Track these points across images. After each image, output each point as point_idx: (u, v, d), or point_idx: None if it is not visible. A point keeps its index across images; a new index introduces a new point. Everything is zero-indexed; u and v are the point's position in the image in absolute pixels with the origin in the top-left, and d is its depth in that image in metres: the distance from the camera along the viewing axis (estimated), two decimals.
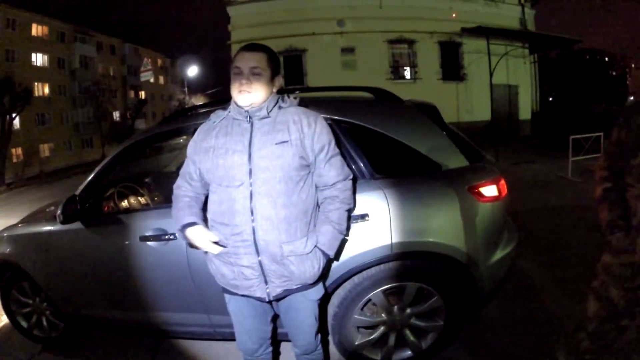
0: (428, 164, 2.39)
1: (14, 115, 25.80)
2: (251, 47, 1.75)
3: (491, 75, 12.98)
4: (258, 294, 1.78)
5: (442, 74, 16.19)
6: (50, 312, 3.19)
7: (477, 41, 15.59)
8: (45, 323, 3.25)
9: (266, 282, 1.75)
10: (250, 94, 1.69)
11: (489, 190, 2.42)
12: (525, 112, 17.84)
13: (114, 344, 3.21)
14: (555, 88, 23.11)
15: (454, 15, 15.93)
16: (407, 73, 16.45)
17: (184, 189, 1.92)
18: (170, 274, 2.46)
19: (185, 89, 40.32)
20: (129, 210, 2.92)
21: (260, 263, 1.71)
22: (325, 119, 1.86)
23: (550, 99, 24.23)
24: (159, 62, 54.52)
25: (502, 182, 2.53)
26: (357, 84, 2.80)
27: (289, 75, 15.00)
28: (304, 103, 1.88)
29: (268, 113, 1.73)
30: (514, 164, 10.08)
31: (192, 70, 36.69)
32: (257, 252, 1.70)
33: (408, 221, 2.29)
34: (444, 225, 2.35)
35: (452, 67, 16.34)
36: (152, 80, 51.22)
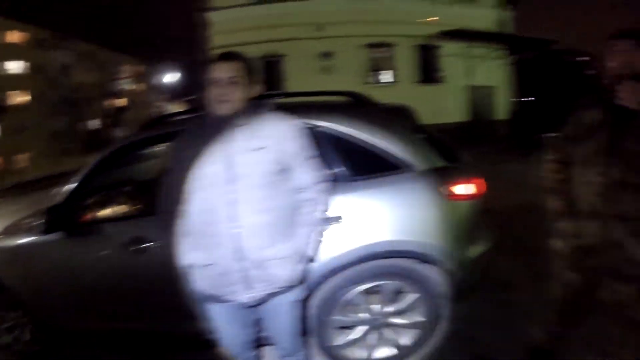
0: (403, 165, 2.45)
1: None
2: (226, 56, 1.78)
3: (468, 77, 13.16)
4: (241, 299, 1.79)
5: (419, 76, 16.36)
6: (32, 325, 3.15)
7: (454, 44, 15.76)
8: (25, 337, 3.20)
9: (249, 287, 1.76)
10: (228, 103, 1.72)
11: (465, 189, 2.50)
12: (502, 112, 18.12)
13: (94, 356, 3.18)
14: (533, 88, 23.47)
15: (432, 18, 16.08)
16: (385, 77, 16.57)
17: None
18: (152, 281, 2.47)
19: (164, 95, 39.93)
20: (110, 219, 2.92)
21: (243, 269, 1.73)
22: (302, 124, 1.91)
23: (528, 99, 24.60)
24: (138, 69, 53.87)
25: (478, 180, 2.60)
26: (335, 89, 2.86)
27: (268, 80, 14.99)
28: (280, 108, 1.92)
29: (246, 120, 1.76)
30: (491, 164, 10.19)
31: (171, 77, 36.45)
32: (240, 258, 1.71)
33: (384, 221, 2.36)
34: (419, 224, 2.41)
35: (429, 70, 16.52)
36: (131, 87, 50.79)
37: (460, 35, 14.93)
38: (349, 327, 2.53)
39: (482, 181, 2.61)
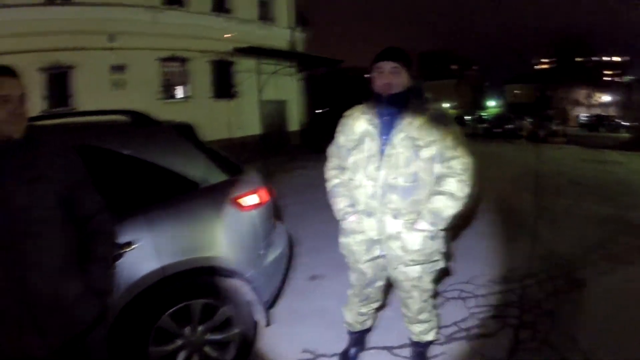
0: (187, 184, 2.47)
1: None
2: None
3: (261, 92, 13.69)
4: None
5: (214, 92, 16.31)
6: None
7: (249, 60, 16.26)
8: None
9: (42, 333, 1.51)
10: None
11: (250, 200, 2.63)
12: (294, 124, 19.58)
13: None
14: (322, 101, 26.13)
15: (227, 35, 16.25)
16: (179, 92, 16.04)
17: None
18: None
19: None
20: None
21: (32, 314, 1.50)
22: (80, 147, 1.78)
23: (319, 111, 27.43)
24: None
25: (262, 190, 2.77)
26: (127, 105, 2.71)
27: (53, 96, 12.90)
28: (55, 131, 1.74)
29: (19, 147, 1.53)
30: (286, 171, 10.86)
31: None
32: (31, 303, 1.49)
33: (175, 241, 2.31)
34: (212, 239, 2.45)
35: (223, 85, 16.63)
36: None
37: (253, 52, 15.49)
38: (168, 355, 2.38)
39: (265, 190, 2.79)
